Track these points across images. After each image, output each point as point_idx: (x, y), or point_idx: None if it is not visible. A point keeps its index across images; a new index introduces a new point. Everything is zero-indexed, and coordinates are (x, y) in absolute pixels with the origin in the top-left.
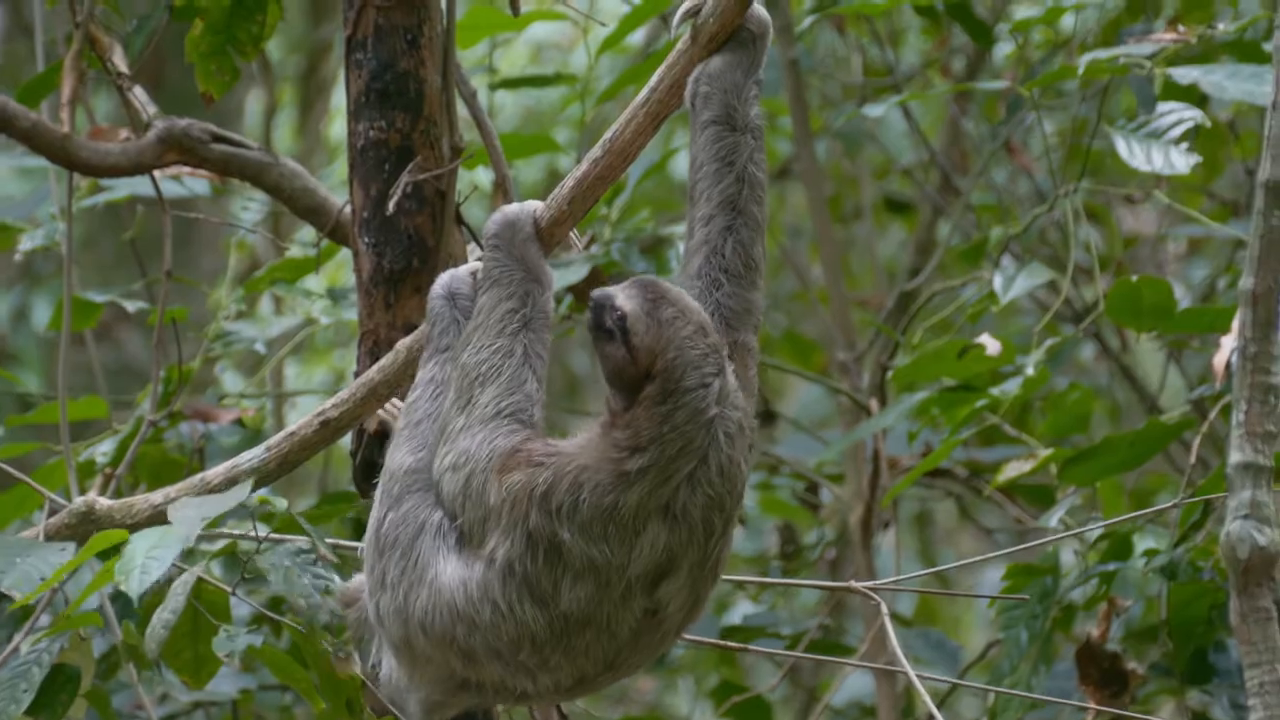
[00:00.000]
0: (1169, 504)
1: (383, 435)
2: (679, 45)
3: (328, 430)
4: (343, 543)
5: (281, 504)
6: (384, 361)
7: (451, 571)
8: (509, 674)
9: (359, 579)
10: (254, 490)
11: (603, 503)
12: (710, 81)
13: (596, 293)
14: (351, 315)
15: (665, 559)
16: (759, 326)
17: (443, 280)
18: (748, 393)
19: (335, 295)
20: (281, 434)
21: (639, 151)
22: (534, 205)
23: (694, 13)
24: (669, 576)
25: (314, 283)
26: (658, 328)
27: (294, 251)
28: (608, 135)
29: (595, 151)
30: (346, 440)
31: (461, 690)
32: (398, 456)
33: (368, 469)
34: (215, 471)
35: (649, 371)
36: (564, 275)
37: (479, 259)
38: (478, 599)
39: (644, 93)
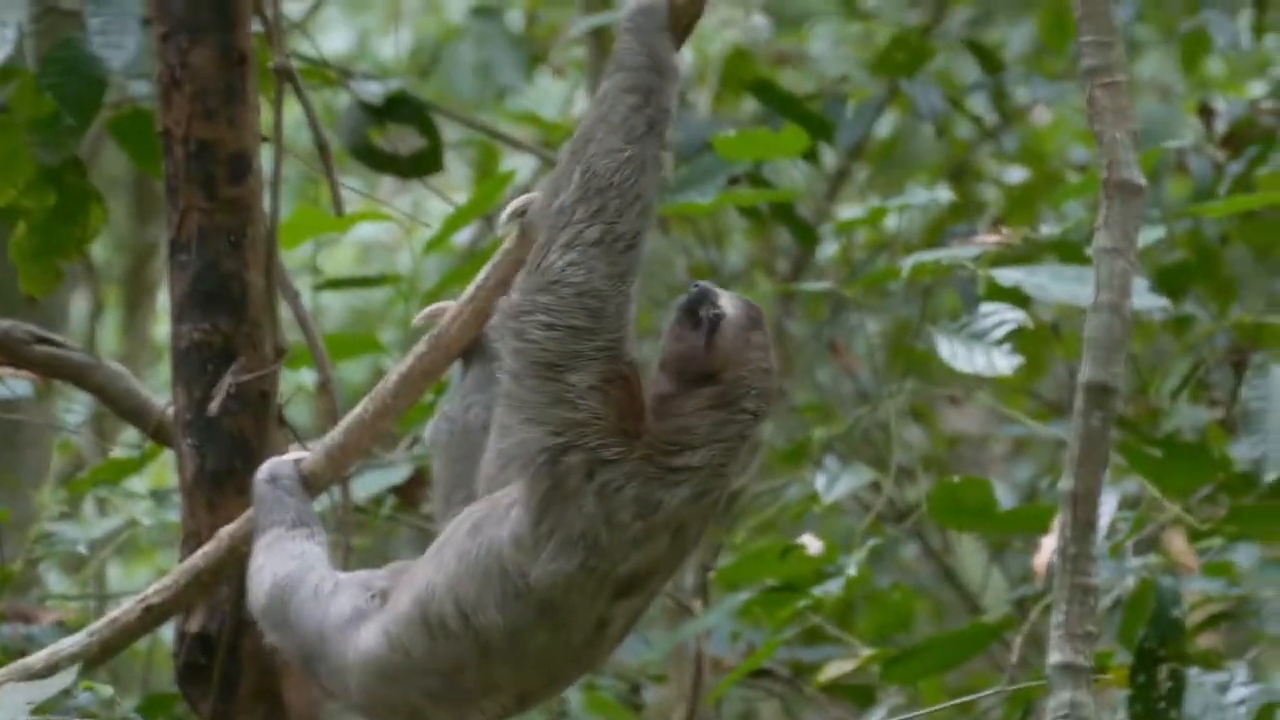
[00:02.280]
0: (989, 692)
1: (205, 636)
2: (505, 243)
3: (150, 616)
4: None
5: (107, 691)
6: (207, 548)
7: (366, 635)
8: (455, 713)
9: None
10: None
11: (649, 496)
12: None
13: (702, 283)
14: (174, 516)
15: (645, 572)
16: None
17: (264, 467)
18: None
19: (159, 496)
20: (104, 619)
21: (462, 348)
22: None
23: (521, 211)
24: (634, 592)
25: (138, 484)
26: (745, 345)
27: (118, 452)
28: (433, 332)
29: (420, 346)
30: (170, 641)
31: None
32: (262, 591)
33: (190, 671)
34: (36, 657)
35: (716, 374)
36: (385, 476)
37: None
38: (407, 638)
39: (470, 289)
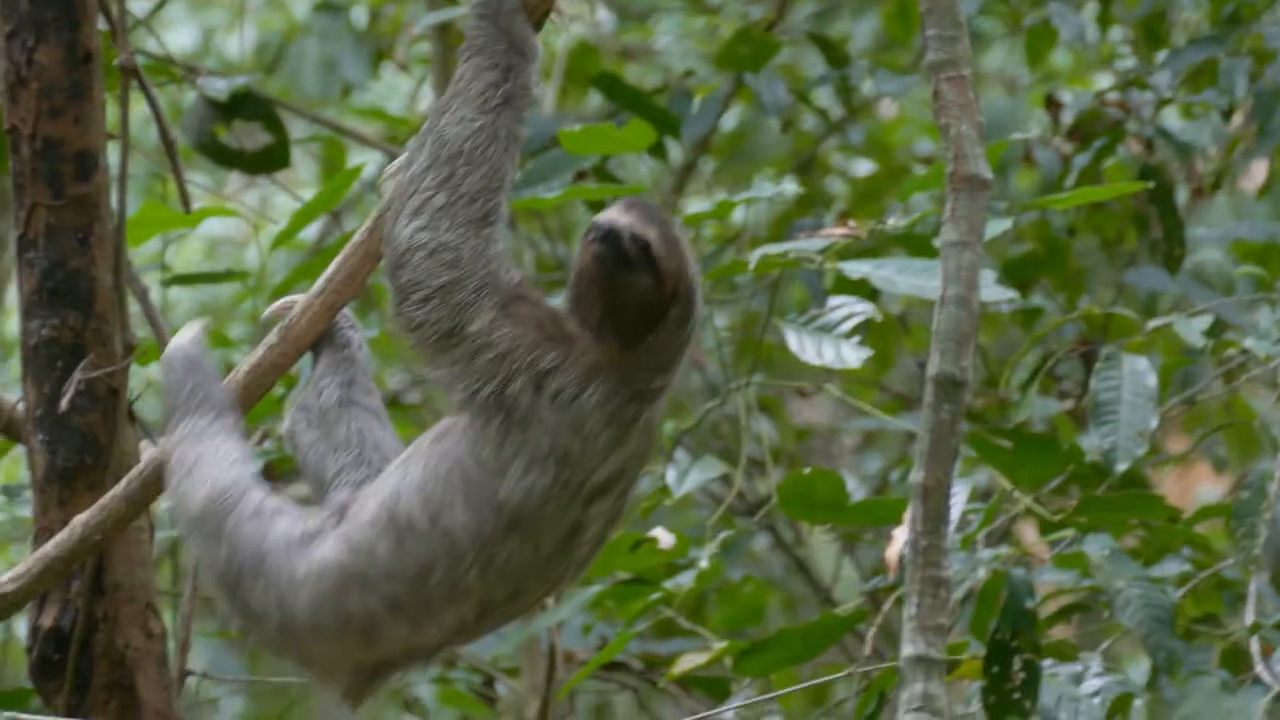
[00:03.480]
0: (842, 674)
1: (58, 631)
2: (355, 236)
3: (3, 605)
4: (23, 717)
5: None
6: (60, 537)
7: (322, 548)
8: (413, 626)
9: None
10: None
11: (622, 412)
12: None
13: (603, 220)
14: (26, 512)
15: (617, 473)
16: None
17: (179, 344)
18: None
19: (10, 492)
20: None
21: (312, 340)
22: None
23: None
24: (605, 494)
25: None
26: (677, 248)
27: None
28: (283, 324)
29: (271, 338)
30: (23, 636)
31: (375, 678)
32: (196, 497)
33: (43, 665)
34: None
35: (674, 294)
36: None
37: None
38: (372, 541)
39: (320, 281)
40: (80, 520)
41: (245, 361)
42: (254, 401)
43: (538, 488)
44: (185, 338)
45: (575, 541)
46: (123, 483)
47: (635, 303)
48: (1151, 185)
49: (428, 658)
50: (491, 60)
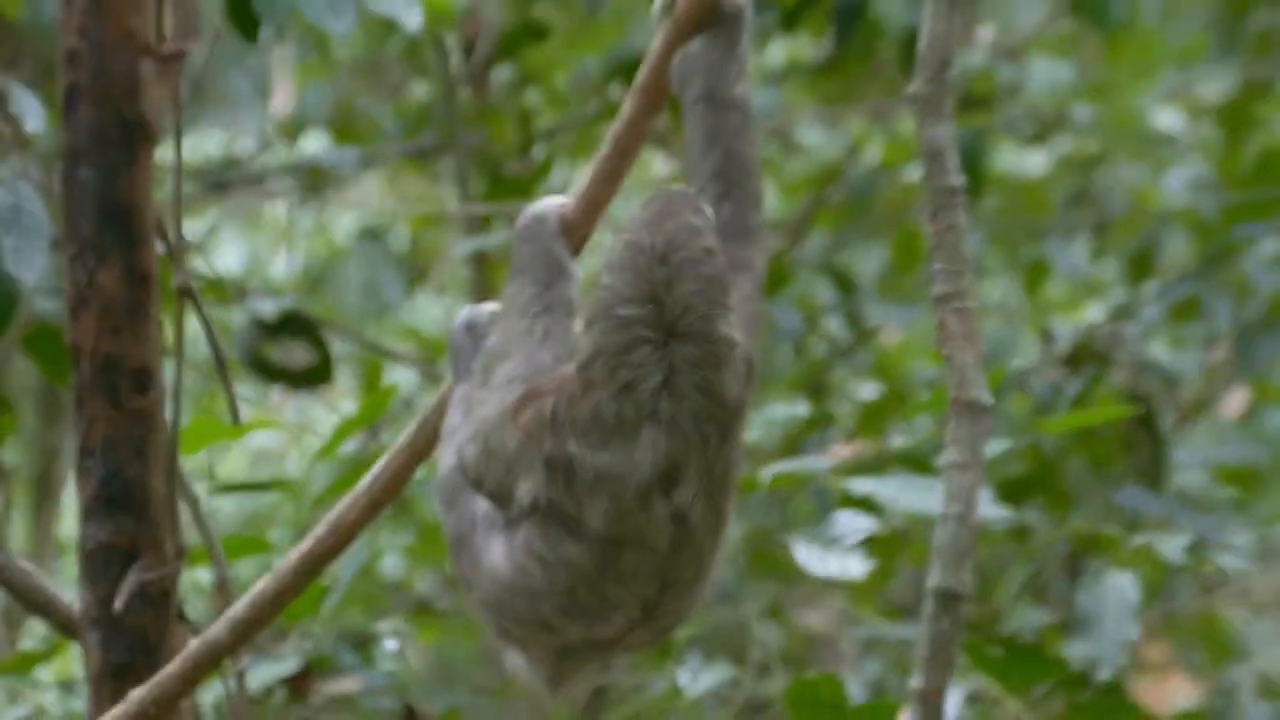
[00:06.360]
0: None
1: None
2: (400, 439)
3: None
4: None
5: None
6: (115, 712)
7: (498, 549)
8: (585, 626)
9: None
10: None
11: (578, 414)
12: (690, 62)
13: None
14: (80, 706)
15: (669, 464)
16: (760, 279)
17: (463, 314)
18: (746, 325)
19: (65, 686)
20: None
21: (358, 534)
22: (560, 200)
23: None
24: (679, 484)
25: (45, 673)
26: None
27: (27, 644)
28: (330, 518)
29: (319, 530)
30: None
31: (571, 656)
32: (443, 463)
33: None
34: None
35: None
36: (274, 668)
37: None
38: (524, 561)
39: (367, 479)
40: (136, 695)
41: (295, 549)
42: (300, 592)
43: (602, 512)
44: (477, 306)
45: (686, 528)
46: (177, 660)
47: None
48: (1139, 412)
49: (615, 646)
50: (534, 278)
